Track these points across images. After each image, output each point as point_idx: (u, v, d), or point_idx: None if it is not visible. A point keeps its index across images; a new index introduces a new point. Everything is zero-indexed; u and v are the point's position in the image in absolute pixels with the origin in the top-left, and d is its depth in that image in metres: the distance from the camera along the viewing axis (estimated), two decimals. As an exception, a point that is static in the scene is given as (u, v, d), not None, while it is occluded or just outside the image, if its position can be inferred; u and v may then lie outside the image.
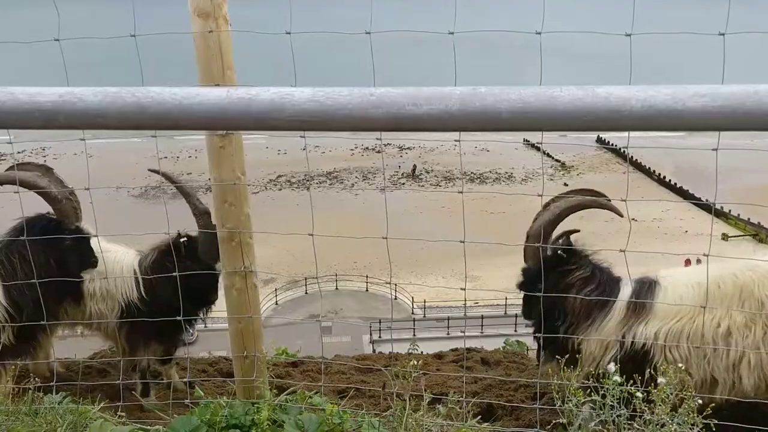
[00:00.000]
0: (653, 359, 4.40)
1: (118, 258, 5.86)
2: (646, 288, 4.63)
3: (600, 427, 3.15)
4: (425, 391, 3.50)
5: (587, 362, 4.67)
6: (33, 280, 4.33)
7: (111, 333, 6.02)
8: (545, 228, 4.84)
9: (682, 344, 4.36)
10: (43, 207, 5.21)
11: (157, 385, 6.09)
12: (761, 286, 4.28)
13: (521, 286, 5.12)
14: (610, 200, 5.03)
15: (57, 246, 5.03)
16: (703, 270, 4.31)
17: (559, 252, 4.82)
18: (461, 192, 4.10)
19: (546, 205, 5.01)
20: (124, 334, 5.89)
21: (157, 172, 5.37)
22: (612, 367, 3.31)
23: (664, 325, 4.43)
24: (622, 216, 4.60)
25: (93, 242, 5.50)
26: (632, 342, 4.46)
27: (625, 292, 4.70)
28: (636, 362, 4.35)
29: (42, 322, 4.31)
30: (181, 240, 5.44)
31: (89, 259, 5.28)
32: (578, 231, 5.18)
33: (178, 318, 4.34)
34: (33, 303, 4.86)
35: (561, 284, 4.74)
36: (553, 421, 3.61)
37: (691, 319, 4.39)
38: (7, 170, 5.44)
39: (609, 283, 4.78)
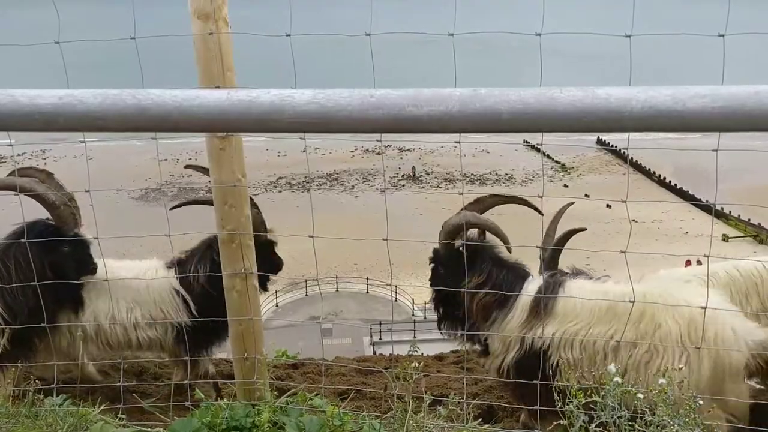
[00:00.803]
0: (551, 359, 4.49)
1: (151, 285, 5.63)
2: (550, 289, 4.64)
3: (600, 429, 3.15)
4: (426, 392, 3.50)
5: (492, 360, 4.83)
6: (32, 283, 4.33)
7: (168, 350, 5.91)
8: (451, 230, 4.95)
9: (576, 348, 4.42)
10: (43, 212, 5.20)
11: (159, 386, 6.09)
12: (663, 310, 4.28)
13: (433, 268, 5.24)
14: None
15: (54, 252, 4.99)
16: (614, 283, 4.61)
17: (460, 249, 4.84)
18: (461, 194, 4.09)
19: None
20: (182, 351, 5.71)
21: (196, 168, 5.31)
22: (612, 368, 3.30)
23: (561, 328, 4.47)
24: (542, 214, 4.69)
25: (113, 266, 5.50)
26: (532, 342, 4.55)
27: (529, 291, 4.72)
28: (536, 361, 4.43)
29: (42, 324, 4.30)
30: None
31: (88, 266, 5.24)
32: (584, 229, 5.29)
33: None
34: (27, 309, 4.85)
35: (457, 286, 4.77)
36: (555, 422, 3.61)
37: (587, 326, 4.43)
38: (8, 175, 5.42)
39: (508, 283, 4.77)
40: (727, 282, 5.16)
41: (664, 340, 4.23)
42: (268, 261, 5.44)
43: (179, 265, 5.71)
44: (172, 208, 5.40)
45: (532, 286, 4.73)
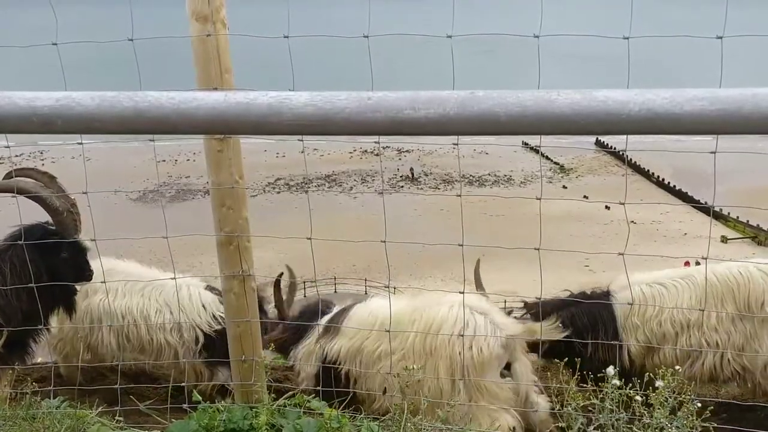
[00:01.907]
0: (341, 371, 5.16)
1: (192, 294, 6.09)
2: (340, 312, 5.59)
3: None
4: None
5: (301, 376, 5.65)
6: (30, 285, 4.33)
7: (187, 360, 6.17)
8: None
9: (357, 360, 5.09)
10: (40, 215, 5.18)
11: (156, 388, 6.08)
12: (412, 325, 4.79)
13: None
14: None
15: (53, 258, 4.99)
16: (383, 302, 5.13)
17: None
18: (460, 195, 4.10)
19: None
20: (202, 362, 6.13)
21: None
22: (611, 370, 3.31)
23: (345, 343, 5.19)
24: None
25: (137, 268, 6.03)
26: (326, 355, 5.29)
27: (326, 317, 5.64)
28: (333, 371, 5.15)
29: (39, 326, 4.30)
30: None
31: (85, 273, 5.26)
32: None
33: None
34: (21, 313, 4.84)
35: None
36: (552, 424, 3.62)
37: (361, 341, 5.10)
38: (5, 175, 5.42)
39: (310, 315, 5.78)
40: (704, 285, 5.19)
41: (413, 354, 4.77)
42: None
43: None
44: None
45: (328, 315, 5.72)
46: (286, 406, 3.54)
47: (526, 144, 63.60)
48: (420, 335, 4.74)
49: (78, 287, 5.41)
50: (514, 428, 4.58)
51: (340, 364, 5.19)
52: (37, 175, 5.33)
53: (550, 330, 4.99)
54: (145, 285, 6.10)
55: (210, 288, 6.26)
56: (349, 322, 5.28)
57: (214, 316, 6.04)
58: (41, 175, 5.30)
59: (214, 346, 5.90)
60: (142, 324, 5.99)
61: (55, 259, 5.03)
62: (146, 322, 5.98)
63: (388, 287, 32.95)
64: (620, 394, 3.16)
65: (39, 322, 4.97)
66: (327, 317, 5.66)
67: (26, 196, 4.96)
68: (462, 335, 4.61)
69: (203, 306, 6.08)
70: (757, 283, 5.14)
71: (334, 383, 4.89)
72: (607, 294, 5.53)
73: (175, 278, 5.57)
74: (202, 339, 6.05)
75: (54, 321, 5.58)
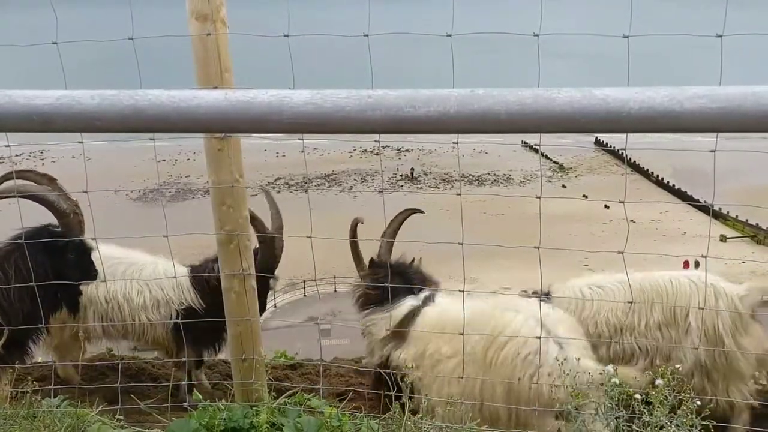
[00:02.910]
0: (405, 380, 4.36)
1: (167, 269, 6.00)
2: (412, 311, 4.89)
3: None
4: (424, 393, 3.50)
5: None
6: (30, 284, 4.32)
7: (159, 339, 6.23)
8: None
9: (422, 368, 4.52)
10: (42, 216, 5.17)
11: (157, 387, 6.09)
12: (482, 330, 4.22)
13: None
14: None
15: (59, 259, 4.98)
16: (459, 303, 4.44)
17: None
18: (459, 194, 4.10)
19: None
20: (172, 339, 6.12)
21: None
22: (611, 368, 3.31)
23: (412, 350, 4.65)
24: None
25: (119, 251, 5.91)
26: (389, 359, 4.77)
27: (403, 308, 4.96)
28: (390, 377, 4.34)
29: (39, 326, 4.30)
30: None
31: (91, 272, 5.27)
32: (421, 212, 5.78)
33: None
34: (23, 315, 4.84)
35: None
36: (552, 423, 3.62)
37: (425, 344, 4.57)
38: (5, 175, 5.42)
39: (392, 294, 4.95)
40: (636, 291, 5.18)
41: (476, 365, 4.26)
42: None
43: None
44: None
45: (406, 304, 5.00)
46: (286, 405, 3.54)
47: (525, 143, 63.58)
48: (483, 340, 4.19)
49: (82, 287, 5.43)
50: None
51: (403, 372, 4.44)
52: (37, 177, 5.32)
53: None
54: (126, 267, 6.09)
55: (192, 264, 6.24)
56: (422, 324, 4.70)
57: (185, 290, 6.04)
58: (41, 177, 5.29)
59: (185, 323, 5.80)
60: (126, 306, 5.99)
61: (62, 261, 5.03)
62: (129, 304, 5.99)
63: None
64: (620, 392, 3.16)
65: (39, 322, 4.98)
66: (408, 302, 5.00)
67: (30, 198, 4.95)
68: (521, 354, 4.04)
69: (181, 282, 6.06)
70: (684, 293, 5.10)
71: (394, 389, 4.08)
72: (547, 294, 5.39)
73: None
74: (174, 315, 6.02)
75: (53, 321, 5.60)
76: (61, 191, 5.23)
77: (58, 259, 4.99)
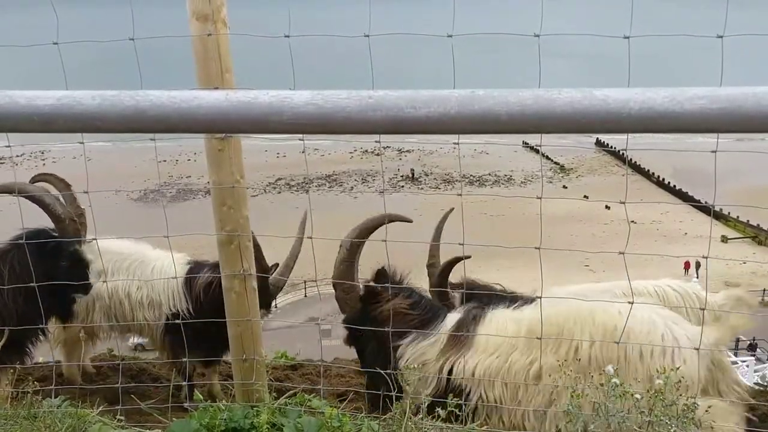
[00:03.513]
0: (470, 397, 4.09)
1: (165, 268, 5.92)
2: (470, 318, 4.34)
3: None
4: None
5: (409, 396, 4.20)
6: (30, 284, 4.33)
7: (158, 339, 6.16)
8: (345, 266, 4.74)
9: (497, 383, 4.02)
10: (44, 219, 5.18)
11: (157, 388, 6.09)
12: (581, 332, 3.90)
13: (351, 342, 4.87)
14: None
15: (51, 265, 4.96)
16: (531, 307, 4.19)
17: (370, 285, 4.71)
18: (460, 195, 4.10)
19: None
20: (169, 342, 6.01)
21: None
22: (611, 369, 3.30)
23: (481, 361, 4.10)
24: (411, 222, 4.70)
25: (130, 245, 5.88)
26: (449, 378, 4.17)
27: (449, 322, 4.42)
28: (456, 397, 3.72)
29: (40, 325, 4.31)
30: None
31: (84, 285, 5.25)
32: (468, 257, 4.92)
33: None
34: (17, 316, 4.84)
35: (381, 314, 4.50)
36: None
37: (506, 355, 4.07)
38: (32, 180, 5.41)
39: (431, 311, 4.53)
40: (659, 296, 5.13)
41: (583, 365, 3.81)
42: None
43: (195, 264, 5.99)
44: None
45: (451, 318, 4.46)
46: (287, 405, 3.54)
47: (526, 144, 63.65)
48: (597, 344, 3.81)
49: (77, 297, 5.40)
50: None
51: (468, 387, 4.08)
52: (54, 180, 5.31)
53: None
54: (132, 262, 6.01)
55: (193, 263, 6.08)
56: (487, 332, 4.18)
57: (180, 295, 5.89)
58: (57, 181, 5.28)
59: (176, 327, 5.59)
60: (126, 301, 5.93)
61: (54, 266, 5.00)
62: (129, 299, 5.93)
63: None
64: (621, 392, 3.15)
65: (35, 323, 4.99)
66: (449, 321, 4.46)
67: (28, 199, 4.96)
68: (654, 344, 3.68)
69: (172, 286, 5.91)
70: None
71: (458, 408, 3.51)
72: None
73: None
74: (163, 318, 5.93)
75: (51, 325, 5.61)
76: (72, 197, 5.22)
77: (49, 264, 4.95)
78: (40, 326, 5.26)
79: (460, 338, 4.22)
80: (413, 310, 4.50)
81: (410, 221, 4.65)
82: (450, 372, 4.17)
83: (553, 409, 3.82)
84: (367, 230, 4.73)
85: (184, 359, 5.68)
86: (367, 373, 4.71)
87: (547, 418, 3.87)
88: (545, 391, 3.88)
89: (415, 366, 4.01)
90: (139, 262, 6.02)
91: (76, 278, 5.15)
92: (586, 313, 3.99)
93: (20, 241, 4.87)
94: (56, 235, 5.09)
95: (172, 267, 5.81)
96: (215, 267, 5.78)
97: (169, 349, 6.05)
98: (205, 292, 5.66)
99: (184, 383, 5.94)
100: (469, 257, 4.88)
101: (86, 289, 5.32)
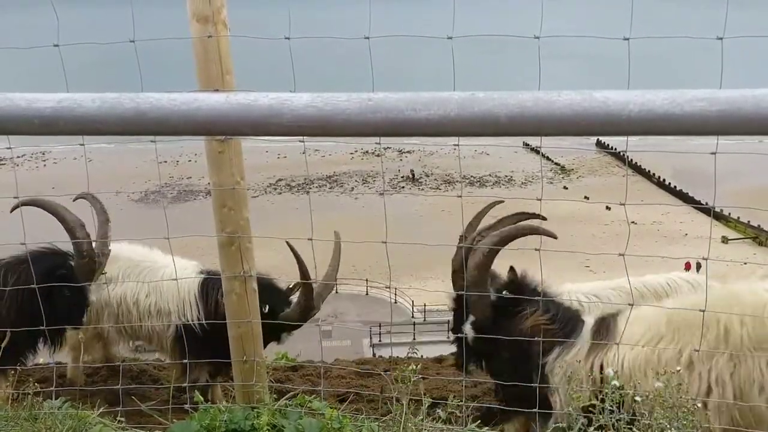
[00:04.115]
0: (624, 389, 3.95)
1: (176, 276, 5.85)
2: (606, 322, 4.31)
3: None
4: (425, 395, 3.50)
5: (559, 408, 4.25)
6: (32, 285, 4.33)
7: (167, 349, 6.12)
8: (479, 271, 4.52)
9: (649, 375, 3.93)
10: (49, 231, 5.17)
11: (158, 389, 6.09)
12: (726, 315, 3.79)
13: (471, 346, 4.71)
14: (545, 218, 4.85)
15: (51, 292, 4.86)
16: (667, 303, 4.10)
17: (504, 294, 4.55)
18: (460, 196, 4.09)
19: (467, 237, 4.80)
20: (178, 354, 5.88)
21: None
22: (611, 371, 3.30)
23: (628, 353, 4.07)
24: (556, 238, 4.42)
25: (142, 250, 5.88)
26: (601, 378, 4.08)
27: (587, 327, 4.38)
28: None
29: (40, 327, 4.30)
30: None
31: (77, 319, 5.21)
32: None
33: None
34: (11, 324, 4.82)
35: (517, 331, 4.41)
36: (553, 425, 3.61)
37: (654, 348, 4.01)
38: (77, 196, 5.39)
39: (569, 320, 4.45)
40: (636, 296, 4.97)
41: (737, 347, 3.73)
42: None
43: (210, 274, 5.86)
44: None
45: (589, 322, 4.40)
46: (287, 407, 3.54)
47: (526, 145, 63.67)
48: (749, 325, 3.71)
49: (68, 327, 5.37)
50: None
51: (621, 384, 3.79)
52: (96, 203, 5.26)
53: None
54: (143, 269, 5.96)
55: (207, 273, 5.95)
56: (632, 327, 4.07)
57: (191, 306, 5.80)
58: (102, 213, 5.23)
59: (187, 337, 5.64)
60: (134, 309, 5.89)
61: (53, 296, 4.91)
62: (137, 307, 5.88)
63: (389, 288, 32.92)
64: (620, 394, 3.16)
65: (26, 342, 5.00)
66: (587, 327, 4.37)
67: (62, 226, 4.95)
68: None
69: (183, 296, 5.82)
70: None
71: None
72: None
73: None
74: (173, 329, 5.84)
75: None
76: (104, 235, 5.17)
77: (51, 291, 4.85)
78: (29, 348, 5.29)
79: (602, 339, 4.20)
80: (553, 324, 4.40)
81: (555, 237, 4.41)
82: (601, 368, 4.11)
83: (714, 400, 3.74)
84: (508, 238, 4.59)
85: (194, 365, 5.60)
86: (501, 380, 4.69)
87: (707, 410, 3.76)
88: (701, 379, 3.79)
89: (568, 377, 4.05)
90: (153, 269, 5.96)
91: (75, 310, 5.13)
92: (731, 296, 3.92)
93: (33, 260, 4.81)
94: (66, 260, 5.08)
95: (183, 274, 5.71)
96: None
97: (178, 358, 5.94)
98: (219, 305, 5.53)
99: (186, 384, 5.92)
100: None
101: (80, 323, 5.30)
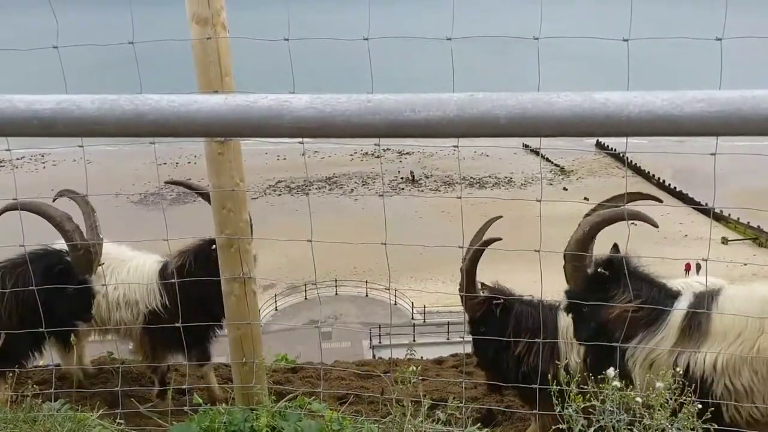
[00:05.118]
0: (713, 389, 3.87)
1: (140, 266, 5.97)
2: (703, 305, 4.03)
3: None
4: (424, 396, 3.50)
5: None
6: (32, 287, 4.32)
7: (135, 339, 6.16)
8: (578, 246, 4.66)
9: (745, 371, 3.78)
10: (48, 234, 5.15)
11: (165, 391, 6.08)
12: None
13: (571, 309, 4.74)
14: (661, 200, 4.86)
15: (54, 292, 4.79)
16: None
17: (599, 271, 4.55)
18: (460, 197, 4.09)
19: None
20: (147, 342, 6.01)
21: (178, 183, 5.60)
22: (611, 371, 3.30)
23: (722, 351, 3.85)
24: (657, 227, 4.41)
25: (111, 247, 5.78)
26: (687, 371, 3.89)
27: (677, 314, 4.12)
28: (694, 392, 3.55)
29: (41, 329, 4.29)
30: (213, 247, 4.97)
31: (85, 313, 5.21)
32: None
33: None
34: (13, 334, 4.79)
35: (602, 316, 4.35)
36: (553, 427, 3.61)
37: (753, 341, 3.79)
38: (58, 194, 5.38)
39: (658, 301, 4.24)
40: None
41: None
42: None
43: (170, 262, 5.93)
44: (167, 183, 5.65)
45: (682, 305, 4.18)
46: (287, 408, 3.54)
47: (526, 146, 63.62)
48: None
49: (78, 325, 5.37)
50: None
51: (711, 378, 3.82)
52: (82, 202, 5.24)
53: None
54: (111, 263, 5.91)
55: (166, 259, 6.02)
56: (722, 320, 3.88)
57: (154, 293, 5.88)
58: (84, 204, 5.23)
59: (155, 324, 5.68)
60: (103, 302, 5.86)
61: (57, 296, 4.86)
62: (106, 300, 5.86)
63: (389, 290, 32.93)
64: (620, 395, 3.15)
65: (32, 345, 5.01)
66: (677, 313, 4.15)
67: (50, 223, 4.93)
68: None
69: (147, 284, 5.90)
70: None
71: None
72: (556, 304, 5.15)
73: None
74: (142, 318, 5.89)
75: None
76: (92, 226, 5.16)
77: (53, 291, 4.76)
78: (35, 351, 5.30)
79: (693, 330, 4.00)
80: (641, 311, 4.24)
81: (656, 225, 4.38)
82: (687, 366, 3.93)
83: None
84: (611, 220, 4.66)
85: (162, 347, 5.79)
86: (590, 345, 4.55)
87: None
88: None
89: (646, 365, 4.00)
90: (119, 263, 6.00)
91: (80, 306, 5.11)
92: None
93: (32, 261, 4.81)
94: (63, 258, 5.06)
95: (146, 264, 5.89)
96: (182, 252, 5.80)
97: (149, 350, 6.06)
98: (175, 277, 5.54)
99: (184, 386, 5.94)
100: (500, 239, 5.17)
101: (88, 319, 5.31)
